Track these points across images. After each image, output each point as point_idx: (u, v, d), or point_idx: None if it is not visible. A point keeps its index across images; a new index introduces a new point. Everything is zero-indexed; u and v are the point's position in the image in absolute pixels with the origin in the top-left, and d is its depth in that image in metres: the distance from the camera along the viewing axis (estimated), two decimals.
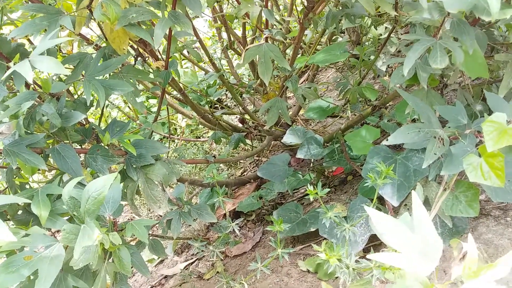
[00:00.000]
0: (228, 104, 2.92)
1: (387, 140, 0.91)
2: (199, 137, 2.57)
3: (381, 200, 1.24)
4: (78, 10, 0.98)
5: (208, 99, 1.99)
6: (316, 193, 0.98)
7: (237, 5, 1.25)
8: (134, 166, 1.14)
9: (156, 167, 1.11)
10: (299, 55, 1.78)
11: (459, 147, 0.92)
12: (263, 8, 1.14)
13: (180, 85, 1.49)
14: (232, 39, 1.83)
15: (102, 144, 1.12)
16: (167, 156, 1.48)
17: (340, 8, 1.23)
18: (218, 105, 2.36)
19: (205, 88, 2.48)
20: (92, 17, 1.04)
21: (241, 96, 2.45)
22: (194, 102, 1.65)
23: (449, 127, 0.98)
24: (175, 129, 2.72)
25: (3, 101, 1.00)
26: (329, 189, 1.07)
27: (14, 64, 0.82)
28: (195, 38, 1.41)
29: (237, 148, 1.90)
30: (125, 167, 1.16)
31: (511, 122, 0.87)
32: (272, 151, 2.24)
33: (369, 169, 1.16)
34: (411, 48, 0.84)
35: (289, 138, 1.68)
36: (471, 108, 1.29)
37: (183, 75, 2.18)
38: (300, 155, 1.51)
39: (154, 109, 2.89)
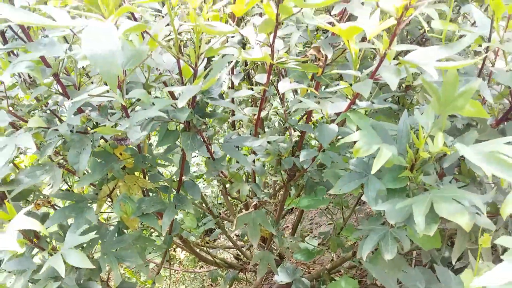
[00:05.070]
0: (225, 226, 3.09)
1: None
2: (196, 267, 2.70)
3: None
4: (99, 199, 1.20)
5: (205, 242, 2.18)
6: None
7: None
8: None
9: None
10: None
11: None
12: (251, 184, 1.37)
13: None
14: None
15: None
16: None
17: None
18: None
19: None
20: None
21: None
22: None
23: None
24: (174, 257, 2.85)
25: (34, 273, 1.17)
26: None
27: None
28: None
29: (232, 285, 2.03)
30: None
31: None
32: (266, 280, 2.36)
33: None
34: (367, 237, 1.04)
35: (279, 277, 1.82)
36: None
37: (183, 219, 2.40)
38: None
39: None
